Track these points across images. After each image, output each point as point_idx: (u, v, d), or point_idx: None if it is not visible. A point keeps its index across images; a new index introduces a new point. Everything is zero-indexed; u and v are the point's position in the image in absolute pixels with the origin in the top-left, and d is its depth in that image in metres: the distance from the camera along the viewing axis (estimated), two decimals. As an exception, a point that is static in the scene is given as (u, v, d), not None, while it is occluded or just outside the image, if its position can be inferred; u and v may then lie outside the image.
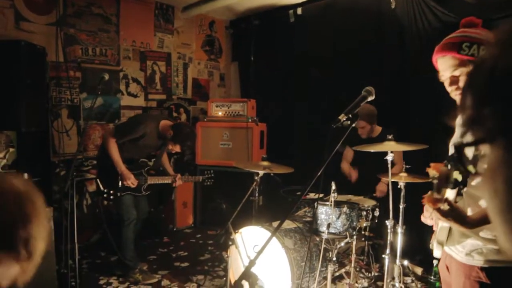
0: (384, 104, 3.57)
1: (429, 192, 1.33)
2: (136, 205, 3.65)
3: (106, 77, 3.04)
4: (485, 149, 0.50)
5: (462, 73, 1.49)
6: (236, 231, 2.93)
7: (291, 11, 5.15)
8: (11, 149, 3.69)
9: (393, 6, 4.14)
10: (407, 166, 2.86)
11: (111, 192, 3.46)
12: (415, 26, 3.98)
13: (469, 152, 1.43)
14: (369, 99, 1.61)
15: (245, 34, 5.90)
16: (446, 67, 1.53)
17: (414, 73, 3.92)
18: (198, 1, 5.18)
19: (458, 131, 1.75)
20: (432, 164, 1.33)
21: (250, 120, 4.97)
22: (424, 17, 3.93)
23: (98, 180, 3.51)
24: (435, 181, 1.29)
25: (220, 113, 5.20)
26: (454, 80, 1.52)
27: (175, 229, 5.17)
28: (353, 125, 1.51)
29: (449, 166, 1.26)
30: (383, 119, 3.75)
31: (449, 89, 1.54)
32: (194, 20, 5.77)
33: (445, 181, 1.27)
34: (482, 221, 1.43)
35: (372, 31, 4.36)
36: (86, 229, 4.50)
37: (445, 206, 1.39)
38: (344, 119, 1.51)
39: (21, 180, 0.87)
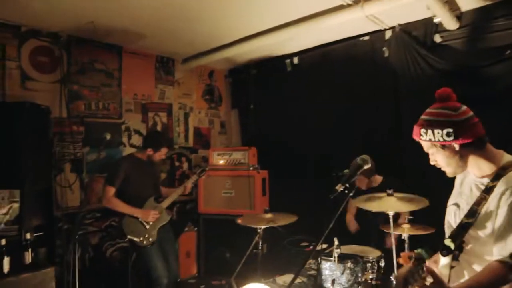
0: (381, 150, 3.61)
1: None
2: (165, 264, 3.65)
3: (108, 137, 3.13)
4: None
5: (434, 152, 1.61)
6: (240, 288, 2.90)
7: (287, 61, 5.30)
8: (14, 205, 3.71)
9: (386, 55, 4.27)
10: (410, 217, 2.85)
11: (146, 237, 3.53)
12: (408, 73, 4.07)
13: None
14: (365, 167, 1.64)
15: (244, 82, 6.05)
16: (423, 145, 1.67)
17: (409, 119, 3.97)
18: (196, 53, 5.35)
19: (456, 190, 1.80)
20: (402, 254, 1.45)
21: (251, 168, 5.00)
22: (416, 65, 4.02)
23: (131, 238, 3.57)
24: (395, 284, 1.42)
25: (221, 162, 5.24)
26: (432, 158, 1.65)
27: (178, 280, 5.07)
28: (351, 194, 1.54)
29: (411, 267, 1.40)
30: (380, 165, 3.74)
31: (432, 163, 1.66)
32: (194, 71, 5.93)
33: (402, 286, 1.39)
34: None
35: (367, 79, 4.45)
36: (88, 283, 4.42)
37: (429, 278, 1.44)
38: (341, 189, 1.54)
39: None
